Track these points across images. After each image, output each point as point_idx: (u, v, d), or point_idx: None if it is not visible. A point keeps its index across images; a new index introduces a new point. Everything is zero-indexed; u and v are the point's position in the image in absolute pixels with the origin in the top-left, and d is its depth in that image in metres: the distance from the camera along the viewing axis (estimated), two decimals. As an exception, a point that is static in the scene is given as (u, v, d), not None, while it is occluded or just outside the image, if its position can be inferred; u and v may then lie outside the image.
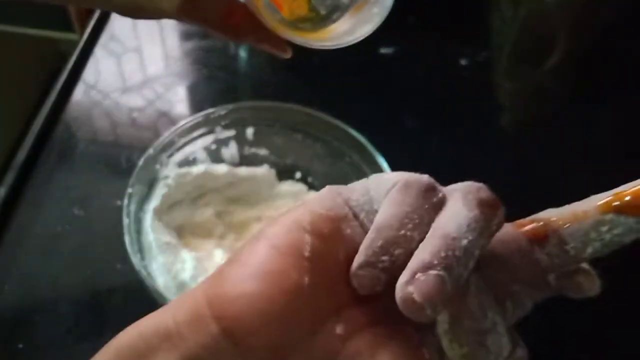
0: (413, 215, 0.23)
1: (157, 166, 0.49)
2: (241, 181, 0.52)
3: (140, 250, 0.44)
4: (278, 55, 0.42)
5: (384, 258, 0.22)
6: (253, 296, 0.22)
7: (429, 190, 0.25)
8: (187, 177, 0.50)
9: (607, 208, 0.24)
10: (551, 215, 0.26)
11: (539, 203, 0.64)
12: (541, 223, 0.26)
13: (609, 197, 0.25)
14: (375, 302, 0.23)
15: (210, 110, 0.51)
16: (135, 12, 0.36)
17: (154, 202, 0.48)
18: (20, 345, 0.44)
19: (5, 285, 0.47)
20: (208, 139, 0.52)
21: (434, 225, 0.23)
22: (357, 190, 0.25)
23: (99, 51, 0.66)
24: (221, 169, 0.52)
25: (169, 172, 0.50)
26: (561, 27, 0.77)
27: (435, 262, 0.21)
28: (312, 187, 0.54)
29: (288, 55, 0.43)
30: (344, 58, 0.69)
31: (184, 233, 0.49)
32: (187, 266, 0.46)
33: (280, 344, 0.22)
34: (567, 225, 0.24)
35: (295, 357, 0.22)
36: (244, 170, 0.53)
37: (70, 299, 0.47)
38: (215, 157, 0.53)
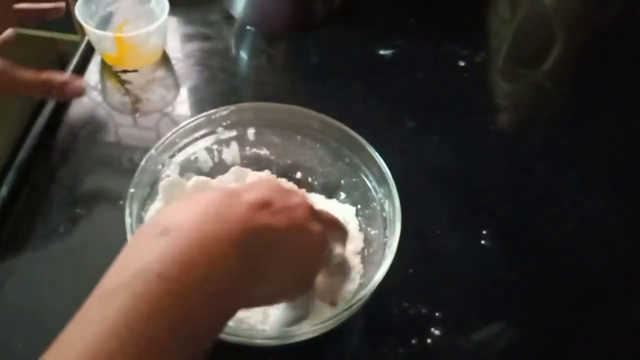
0: None
1: (159, 166, 0.49)
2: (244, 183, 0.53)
3: (142, 249, 0.45)
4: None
5: None
6: None
7: None
8: (188, 179, 0.51)
9: None
10: None
11: (536, 202, 0.64)
12: None
13: None
14: None
15: (212, 111, 0.51)
16: None
17: (155, 202, 0.48)
18: (20, 346, 0.44)
19: (6, 285, 0.47)
20: (209, 140, 0.52)
21: None
22: None
23: (100, 52, 0.67)
24: (226, 177, 0.53)
25: (171, 172, 0.50)
26: (558, 28, 0.78)
27: None
28: (312, 187, 0.54)
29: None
30: (343, 59, 0.70)
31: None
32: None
33: None
34: None
35: None
36: (249, 174, 0.53)
37: (72, 299, 0.47)
38: (216, 157, 0.53)
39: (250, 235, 0.32)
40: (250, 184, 0.37)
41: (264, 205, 0.33)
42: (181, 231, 0.30)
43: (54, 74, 0.54)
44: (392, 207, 0.45)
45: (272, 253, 0.33)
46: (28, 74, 0.52)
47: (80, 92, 0.56)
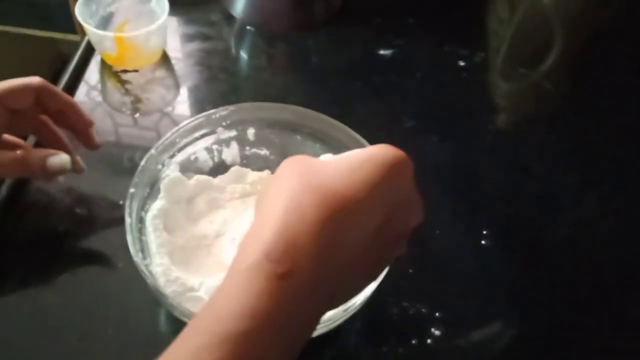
0: None
1: (159, 166, 0.49)
2: (244, 183, 0.53)
3: (142, 249, 0.45)
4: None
5: None
6: None
7: None
8: (190, 179, 0.51)
9: None
10: None
11: (534, 202, 0.64)
12: None
13: None
14: None
15: (212, 111, 0.51)
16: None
17: (156, 202, 0.48)
18: (21, 345, 0.44)
19: (6, 285, 0.47)
20: (209, 140, 0.52)
21: None
22: None
23: (100, 52, 0.67)
24: (227, 177, 0.53)
25: (171, 172, 0.50)
26: (558, 28, 0.78)
27: None
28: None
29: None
30: (343, 59, 0.70)
31: (185, 233, 0.49)
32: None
33: None
34: None
35: None
36: (249, 174, 0.53)
37: (72, 299, 0.47)
38: (216, 157, 0.53)
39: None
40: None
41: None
42: (307, 280, 0.26)
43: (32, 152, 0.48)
44: (392, 207, 0.45)
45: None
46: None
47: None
